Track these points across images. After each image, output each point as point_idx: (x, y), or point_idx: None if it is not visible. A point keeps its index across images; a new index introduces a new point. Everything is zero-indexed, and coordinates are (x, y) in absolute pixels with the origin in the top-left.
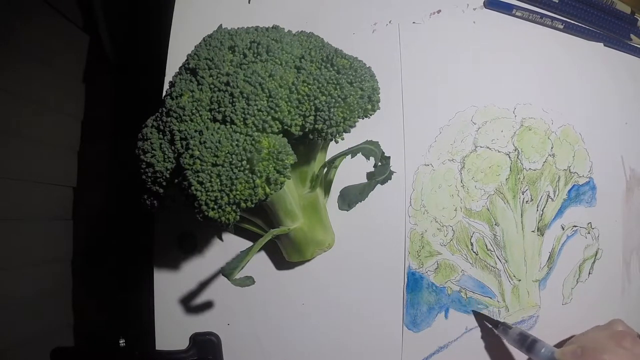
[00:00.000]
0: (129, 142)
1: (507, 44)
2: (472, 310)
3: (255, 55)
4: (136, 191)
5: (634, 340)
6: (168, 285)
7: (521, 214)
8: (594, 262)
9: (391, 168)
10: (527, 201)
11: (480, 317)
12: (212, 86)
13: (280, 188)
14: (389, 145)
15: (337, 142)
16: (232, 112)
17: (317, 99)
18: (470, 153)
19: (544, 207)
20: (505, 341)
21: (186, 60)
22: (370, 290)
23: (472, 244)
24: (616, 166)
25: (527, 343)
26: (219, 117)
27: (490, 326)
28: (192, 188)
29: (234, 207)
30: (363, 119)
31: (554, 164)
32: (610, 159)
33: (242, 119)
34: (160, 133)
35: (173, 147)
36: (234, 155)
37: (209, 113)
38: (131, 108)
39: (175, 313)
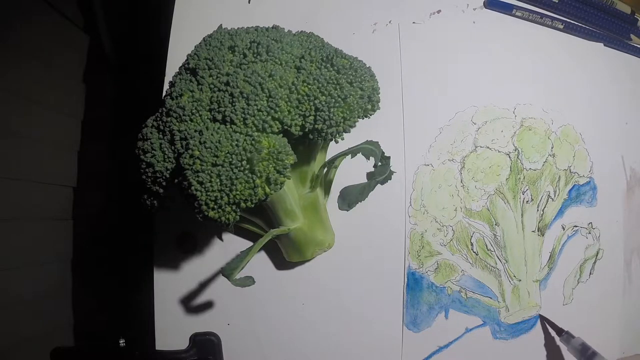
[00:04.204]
0: (129, 142)
1: (507, 44)
2: (540, 315)
3: (255, 55)
4: (136, 191)
5: None
6: (168, 285)
7: (521, 214)
8: (594, 262)
9: (391, 168)
10: (527, 201)
11: (546, 322)
12: (212, 86)
13: (280, 188)
14: (389, 145)
15: (337, 142)
16: (232, 112)
17: (317, 99)
18: (470, 153)
19: (545, 207)
20: (567, 350)
21: (186, 60)
22: (370, 290)
23: (472, 244)
24: (616, 166)
25: (588, 354)
26: (219, 117)
27: (552, 334)
28: (192, 188)
29: (234, 207)
30: (363, 119)
31: (554, 164)
32: (611, 159)
33: (242, 119)
34: (160, 133)
35: (173, 147)
36: (234, 155)
37: (209, 113)
38: (131, 108)
39: (175, 313)
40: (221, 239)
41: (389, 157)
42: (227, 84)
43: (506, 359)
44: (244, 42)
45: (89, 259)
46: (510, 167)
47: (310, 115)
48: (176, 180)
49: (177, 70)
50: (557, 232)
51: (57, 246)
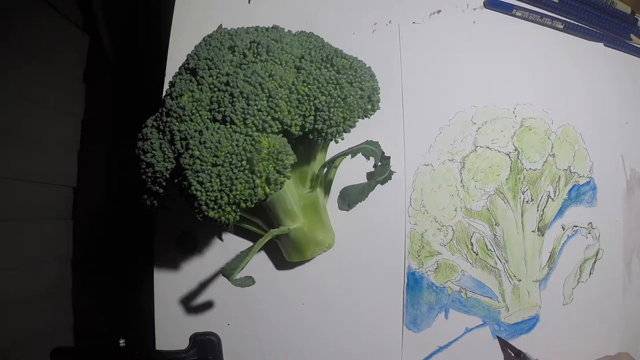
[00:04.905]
0: (129, 142)
1: (507, 44)
2: (497, 337)
3: (255, 55)
4: (136, 191)
5: None
6: (168, 285)
7: (521, 214)
8: (594, 262)
9: (391, 168)
10: (527, 201)
11: (504, 344)
12: (212, 86)
13: (280, 188)
14: (389, 145)
15: (337, 142)
16: (232, 112)
17: (317, 99)
18: (470, 153)
19: (545, 207)
20: None
21: (186, 60)
22: (370, 290)
23: (472, 244)
24: (616, 166)
25: None
26: (219, 117)
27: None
28: (192, 188)
29: (234, 207)
30: (363, 119)
31: (554, 164)
32: (611, 158)
33: (242, 119)
34: (160, 133)
35: (173, 147)
36: (234, 155)
37: (209, 113)
38: (131, 108)
39: (175, 313)
40: (221, 239)
41: (389, 157)
42: (227, 84)
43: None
44: (244, 42)
45: (89, 259)
46: (510, 167)
47: (310, 115)
48: (176, 180)
49: (177, 70)
50: (557, 232)
51: (57, 246)
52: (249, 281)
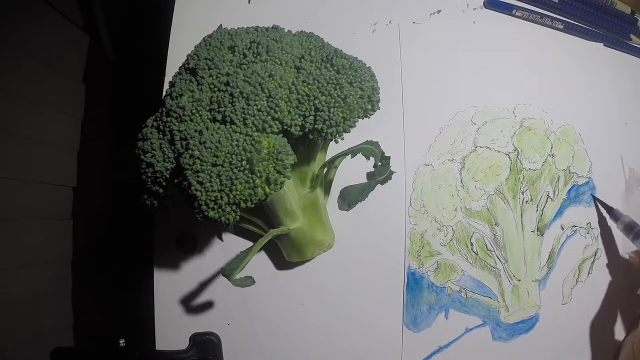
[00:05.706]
0: (129, 142)
1: (507, 44)
2: (592, 195)
3: (255, 55)
4: (136, 191)
5: None
6: (168, 285)
7: (521, 214)
8: (593, 262)
9: (391, 168)
10: (526, 201)
11: (596, 200)
12: (212, 86)
13: (280, 188)
14: (389, 145)
15: (337, 142)
16: (232, 112)
17: (317, 99)
18: (470, 153)
19: (544, 207)
20: (616, 226)
21: (186, 60)
22: (370, 290)
23: (472, 244)
24: (616, 166)
25: (635, 231)
26: (219, 117)
27: (604, 213)
28: (192, 188)
29: (234, 207)
30: (363, 119)
31: (553, 164)
32: (610, 159)
33: (242, 119)
34: (160, 133)
35: (173, 147)
36: (234, 155)
37: (208, 113)
38: (131, 108)
39: (175, 313)
40: (221, 239)
41: (389, 157)
42: (227, 84)
43: (506, 359)
44: (244, 42)
45: (89, 259)
46: (510, 167)
47: (310, 115)
48: (176, 180)
49: (177, 70)
50: (556, 232)
51: (57, 246)
52: (249, 281)
